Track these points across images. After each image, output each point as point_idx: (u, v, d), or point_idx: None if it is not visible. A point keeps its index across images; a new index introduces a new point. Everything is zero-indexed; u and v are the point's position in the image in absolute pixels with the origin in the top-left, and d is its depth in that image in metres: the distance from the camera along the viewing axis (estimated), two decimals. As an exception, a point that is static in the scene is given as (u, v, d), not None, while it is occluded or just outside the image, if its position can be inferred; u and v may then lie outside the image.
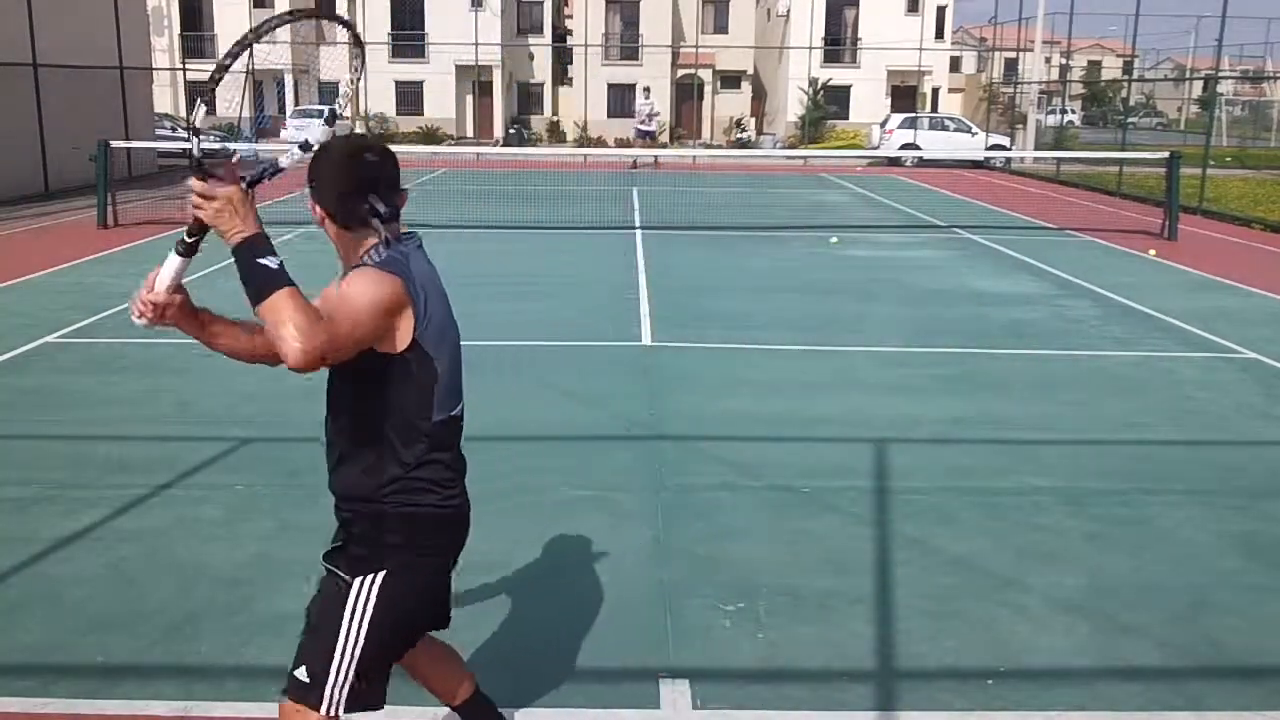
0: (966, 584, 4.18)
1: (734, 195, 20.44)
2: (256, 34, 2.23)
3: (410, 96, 41.17)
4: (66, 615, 3.82)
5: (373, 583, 2.37)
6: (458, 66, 39.96)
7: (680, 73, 41.27)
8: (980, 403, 6.74)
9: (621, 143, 34.39)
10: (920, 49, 38.64)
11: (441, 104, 41.15)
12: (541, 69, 43.98)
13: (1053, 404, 6.72)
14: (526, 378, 7.14)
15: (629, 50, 41.44)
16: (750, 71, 44.23)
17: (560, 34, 45.05)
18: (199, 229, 2.20)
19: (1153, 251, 13.47)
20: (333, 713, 2.38)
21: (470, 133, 41.50)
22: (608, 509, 4.86)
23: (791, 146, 34.99)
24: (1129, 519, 4.87)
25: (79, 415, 6.23)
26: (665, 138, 37.02)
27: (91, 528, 4.58)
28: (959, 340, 8.46)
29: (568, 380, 7.05)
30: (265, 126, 37.91)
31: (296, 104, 39.81)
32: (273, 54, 37.02)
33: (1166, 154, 15.96)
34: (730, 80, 43.71)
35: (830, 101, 38.66)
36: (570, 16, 43.88)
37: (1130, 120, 32.39)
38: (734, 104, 43.05)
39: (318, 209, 2.32)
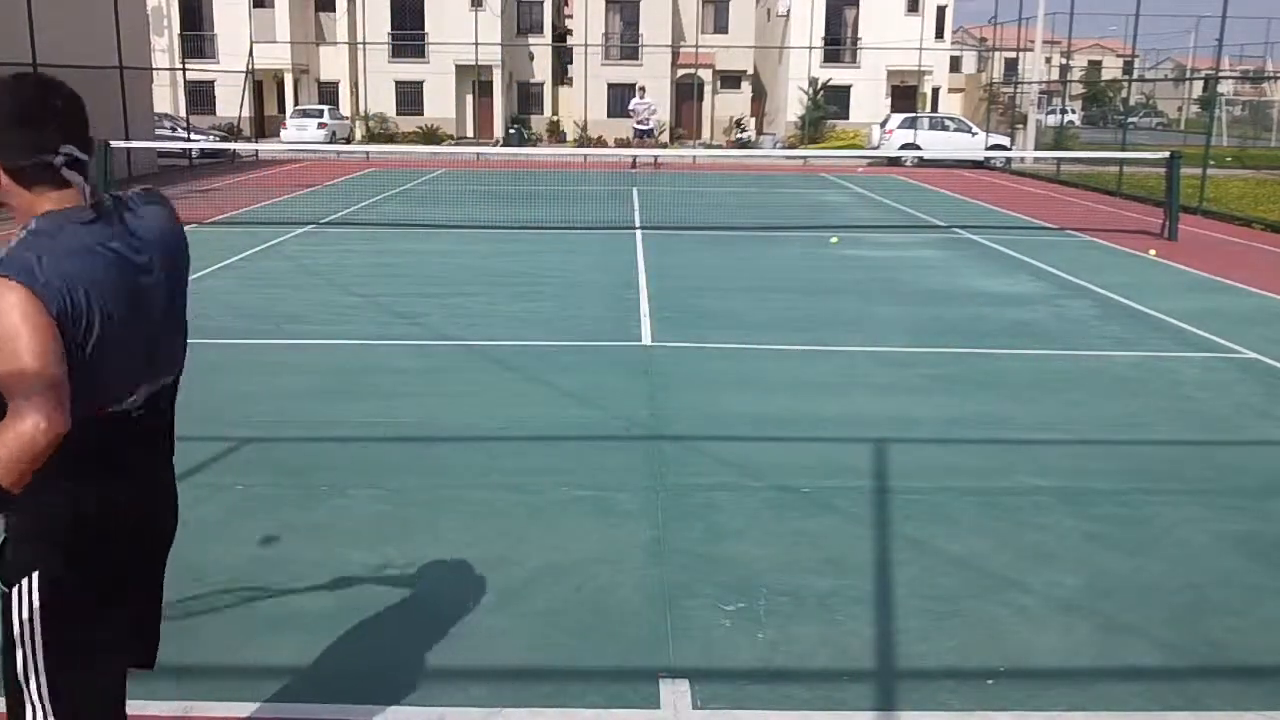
0: (966, 584, 4.18)
1: (734, 195, 20.45)
2: None
3: (410, 96, 41.20)
4: (66, 615, 3.81)
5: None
6: (458, 66, 39.99)
7: (680, 72, 41.27)
8: (980, 402, 6.74)
9: (621, 143, 34.36)
10: (920, 49, 38.64)
11: (441, 104, 41.18)
12: (541, 69, 44.02)
13: (1053, 404, 6.72)
14: (526, 377, 7.14)
15: (629, 50, 41.45)
16: (750, 71, 44.26)
17: (560, 34, 45.08)
18: None
19: (1153, 251, 13.47)
20: None
21: (470, 133, 41.53)
22: (608, 509, 4.86)
23: (791, 146, 35.00)
24: (1128, 519, 4.87)
25: (79, 415, 6.22)
26: (665, 137, 37.02)
27: (91, 528, 4.57)
28: (959, 340, 8.46)
29: (567, 380, 7.05)
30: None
31: (296, 104, 39.87)
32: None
33: (1167, 154, 15.95)
34: (730, 80, 43.73)
35: (830, 101, 38.66)
36: (570, 16, 43.89)
37: (1130, 120, 32.41)
38: (734, 104, 43.06)
39: None
